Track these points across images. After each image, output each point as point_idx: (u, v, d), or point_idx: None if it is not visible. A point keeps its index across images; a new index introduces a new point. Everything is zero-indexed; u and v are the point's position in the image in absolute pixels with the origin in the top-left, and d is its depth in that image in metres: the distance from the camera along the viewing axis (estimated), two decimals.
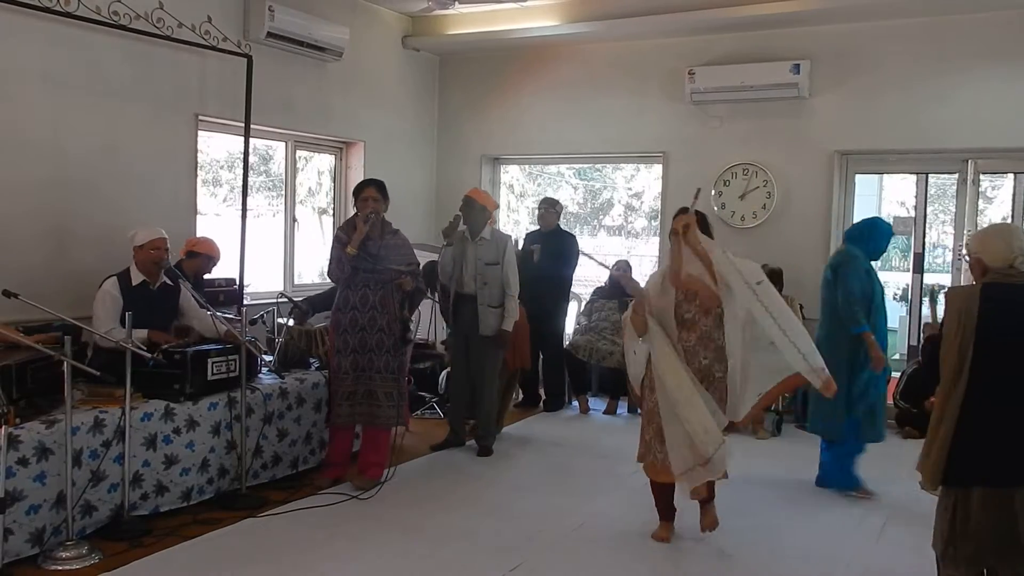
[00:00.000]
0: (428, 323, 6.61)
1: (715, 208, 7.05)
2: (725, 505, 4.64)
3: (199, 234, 5.81)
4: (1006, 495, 2.83)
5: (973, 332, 2.80)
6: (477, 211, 5.50)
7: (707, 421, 3.82)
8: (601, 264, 5.20)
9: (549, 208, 6.89)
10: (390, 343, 4.75)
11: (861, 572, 3.87)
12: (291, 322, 5.43)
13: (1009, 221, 6.55)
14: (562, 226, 7.03)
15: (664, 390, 3.90)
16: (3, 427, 3.44)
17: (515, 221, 8.91)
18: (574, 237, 7.01)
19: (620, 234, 11.30)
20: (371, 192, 4.78)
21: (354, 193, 4.89)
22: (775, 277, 6.52)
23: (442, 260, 5.53)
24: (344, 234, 4.79)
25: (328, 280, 5.10)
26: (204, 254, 5.30)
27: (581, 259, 6.71)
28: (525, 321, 6.16)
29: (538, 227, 6.96)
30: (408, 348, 4.91)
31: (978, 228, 6.62)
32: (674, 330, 3.98)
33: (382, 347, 4.73)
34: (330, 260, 4.80)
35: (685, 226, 3.98)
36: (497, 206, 5.63)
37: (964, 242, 3.17)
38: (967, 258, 3.10)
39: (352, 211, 5.07)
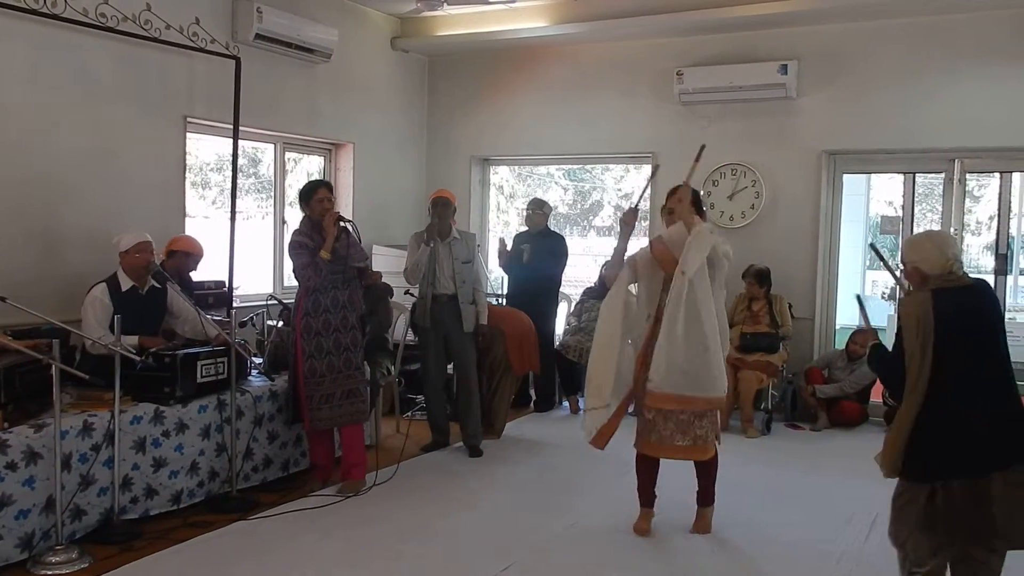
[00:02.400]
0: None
1: (704, 208, 7.06)
2: (716, 502, 4.67)
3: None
4: (983, 483, 2.93)
5: (932, 336, 2.90)
6: (451, 211, 5.54)
7: (607, 382, 4.02)
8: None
9: (537, 209, 6.90)
10: (361, 339, 4.78)
11: (851, 568, 3.89)
12: (280, 324, 5.41)
13: (995, 218, 6.59)
14: (551, 227, 7.04)
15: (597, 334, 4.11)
16: None
17: (504, 222, 8.93)
18: (563, 238, 7.02)
19: (610, 235, 11.35)
20: (324, 193, 4.72)
21: (305, 195, 4.75)
22: (763, 277, 6.57)
23: (413, 263, 5.48)
24: (307, 239, 4.68)
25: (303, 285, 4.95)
26: (182, 251, 5.20)
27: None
28: (531, 325, 6.19)
29: (526, 228, 6.97)
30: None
31: (963, 227, 6.68)
32: (656, 293, 4.08)
33: (357, 344, 4.74)
34: (302, 267, 4.64)
35: (678, 201, 4.04)
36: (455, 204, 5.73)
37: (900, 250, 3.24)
38: (901, 266, 3.18)
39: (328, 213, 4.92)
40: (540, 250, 6.73)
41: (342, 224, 4.68)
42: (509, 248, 6.85)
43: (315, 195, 4.70)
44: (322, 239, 4.64)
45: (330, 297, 4.69)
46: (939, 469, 2.97)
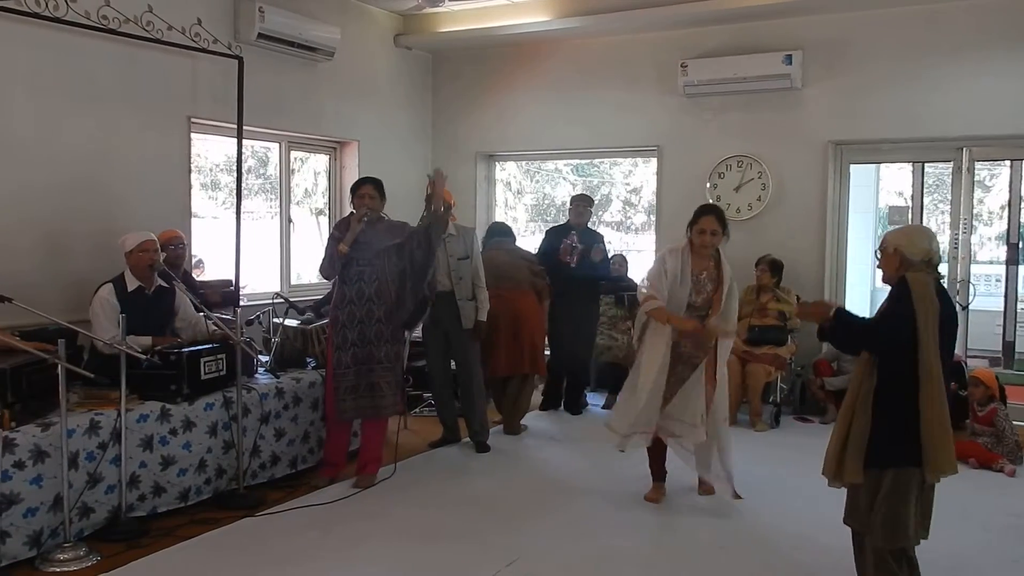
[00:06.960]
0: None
1: (711, 201, 7.04)
2: (722, 497, 4.66)
3: (195, 237, 5.86)
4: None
5: (938, 322, 3.05)
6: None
7: (651, 410, 4.41)
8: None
9: (587, 206, 6.56)
10: (388, 332, 4.79)
11: None
12: (289, 322, 5.43)
13: (1006, 207, 6.53)
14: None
15: (639, 367, 4.46)
16: None
17: (513, 218, 8.90)
18: (603, 236, 6.72)
19: (619, 229, 11.31)
20: (368, 190, 4.81)
21: (351, 191, 4.91)
22: (776, 269, 6.52)
23: None
24: (339, 232, 4.84)
25: (321, 276, 5.13)
26: (167, 242, 5.04)
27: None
28: (536, 326, 6.02)
29: (564, 223, 6.68)
30: (404, 339, 4.94)
31: (974, 216, 6.62)
32: (683, 298, 4.40)
33: (381, 338, 4.77)
34: (324, 258, 4.86)
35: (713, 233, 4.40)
36: (455, 203, 5.63)
37: (881, 238, 3.35)
38: (878, 253, 3.29)
39: (348, 209, 5.07)
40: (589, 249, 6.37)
41: (367, 217, 4.76)
42: (577, 244, 6.33)
43: (358, 191, 4.83)
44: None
45: (355, 289, 4.75)
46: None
